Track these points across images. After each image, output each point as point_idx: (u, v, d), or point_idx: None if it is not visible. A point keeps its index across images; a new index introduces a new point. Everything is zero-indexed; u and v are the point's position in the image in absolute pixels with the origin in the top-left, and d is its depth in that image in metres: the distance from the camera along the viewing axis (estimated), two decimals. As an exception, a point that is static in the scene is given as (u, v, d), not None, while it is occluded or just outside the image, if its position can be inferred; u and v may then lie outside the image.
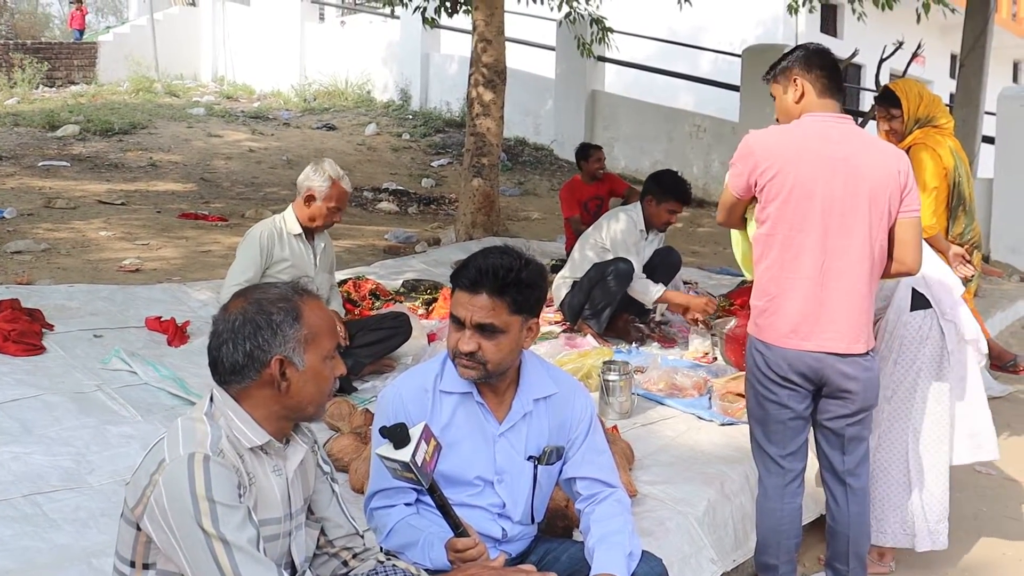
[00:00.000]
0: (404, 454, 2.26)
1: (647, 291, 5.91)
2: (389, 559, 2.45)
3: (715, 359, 5.77)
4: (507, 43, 10.12)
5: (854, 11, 11.22)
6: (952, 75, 19.01)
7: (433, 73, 19.55)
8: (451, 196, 13.09)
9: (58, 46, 23.19)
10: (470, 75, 10.02)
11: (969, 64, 10.95)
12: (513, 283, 2.52)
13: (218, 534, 1.96)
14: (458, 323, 2.56)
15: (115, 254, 8.16)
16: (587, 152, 8.71)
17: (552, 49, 16.88)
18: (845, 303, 3.24)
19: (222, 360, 2.14)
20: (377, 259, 8.76)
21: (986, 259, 10.40)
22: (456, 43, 18.67)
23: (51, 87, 20.57)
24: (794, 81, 3.36)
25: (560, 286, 6.23)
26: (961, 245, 5.05)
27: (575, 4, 12.75)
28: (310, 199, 4.85)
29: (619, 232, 6.01)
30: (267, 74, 22.07)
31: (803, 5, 11.26)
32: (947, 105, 5.41)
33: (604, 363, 4.88)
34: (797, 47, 3.48)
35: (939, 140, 4.97)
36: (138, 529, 2.06)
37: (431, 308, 6.66)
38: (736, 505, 3.91)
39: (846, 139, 3.26)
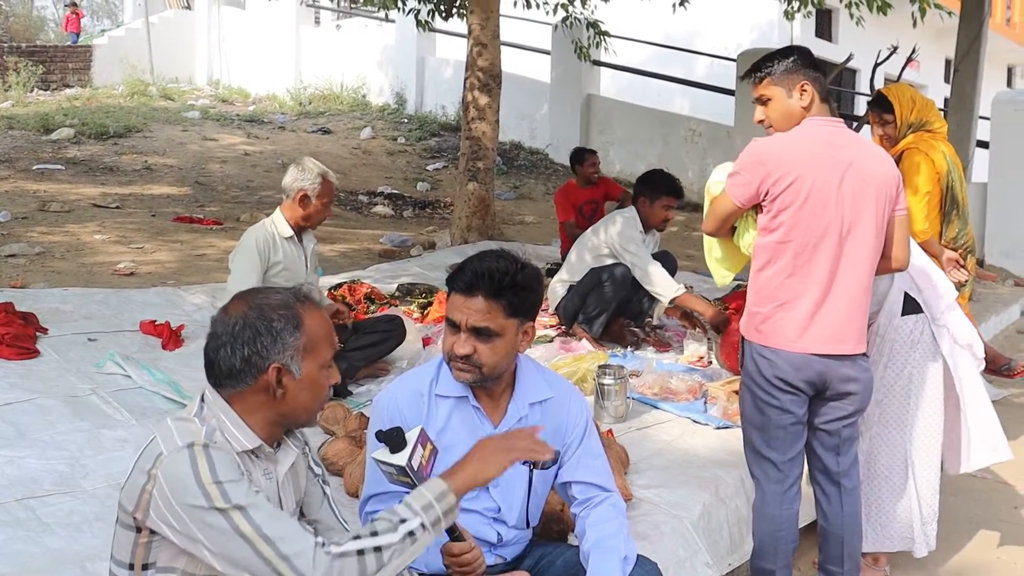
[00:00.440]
0: (400, 458, 2.26)
1: (668, 286, 5.73)
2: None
3: (710, 363, 5.77)
4: (502, 47, 10.12)
5: (851, 15, 11.22)
6: (946, 79, 19.08)
7: (428, 77, 19.56)
8: (446, 200, 13.09)
9: (53, 49, 23.15)
10: (465, 79, 10.02)
11: (963, 69, 10.97)
12: (509, 286, 2.52)
13: (233, 504, 1.95)
14: (454, 326, 2.56)
15: (110, 257, 8.15)
16: (582, 156, 8.73)
17: (547, 53, 16.89)
18: (851, 304, 3.30)
19: (219, 363, 2.13)
20: (372, 263, 8.76)
21: (980, 263, 10.42)
22: (451, 47, 18.68)
23: (46, 90, 20.54)
24: (802, 87, 3.34)
25: (556, 289, 6.22)
26: (955, 250, 5.05)
27: (571, 8, 12.76)
28: (304, 199, 4.86)
29: (620, 232, 5.98)
30: (262, 78, 22.05)
31: (799, 10, 11.26)
32: (941, 110, 5.42)
33: (599, 367, 4.88)
34: (788, 50, 3.46)
35: (932, 144, 4.98)
36: (137, 531, 2.04)
37: (426, 312, 6.66)
38: (731, 509, 3.91)
39: (849, 144, 3.32)
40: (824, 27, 19.98)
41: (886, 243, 3.39)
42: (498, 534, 2.69)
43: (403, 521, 2.09)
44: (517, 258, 2.60)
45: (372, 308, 6.50)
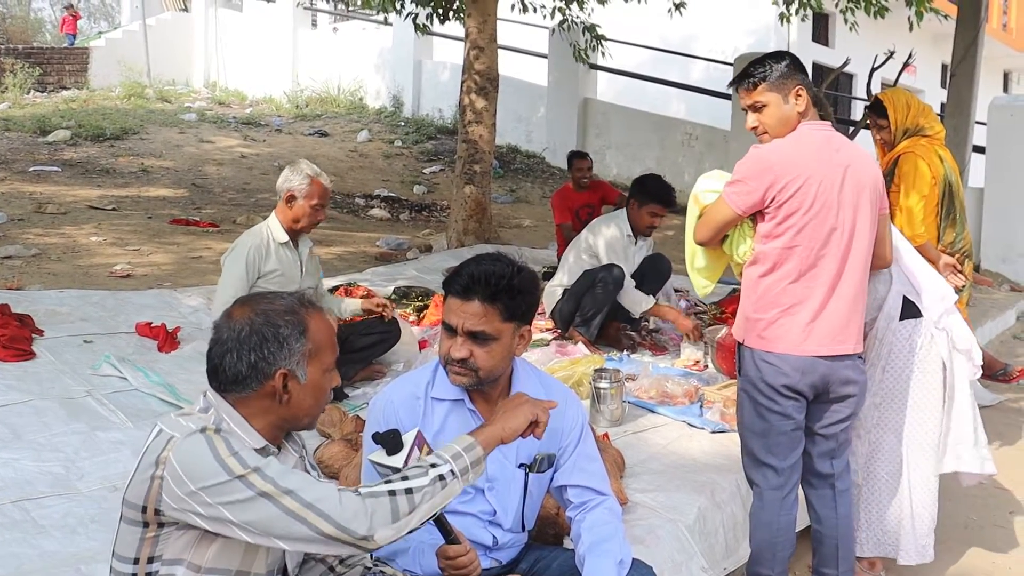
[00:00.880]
0: (396, 460, 2.26)
1: (637, 302, 5.93)
2: (376, 565, 2.45)
3: (706, 367, 5.77)
4: (499, 50, 10.13)
5: (846, 21, 11.25)
6: (943, 84, 19.10)
7: (425, 80, 19.58)
8: (443, 203, 13.10)
9: (50, 51, 23.15)
10: (462, 82, 10.03)
11: (960, 74, 10.99)
12: (505, 290, 2.52)
13: (251, 467, 1.97)
14: (450, 330, 2.56)
15: (106, 259, 8.14)
16: (570, 160, 8.73)
17: (544, 57, 16.92)
18: (851, 305, 3.33)
19: (224, 369, 2.14)
20: (369, 266, 8.76)
21: (976, 268, 10.44)
22: (448, 50, 18.70)
23: (42, 92, 20.53)
24: (797, 92, 3.33)
25: (551, 294, 6.23)
26: (952, 254, 5.06)
27: (568, 12, 12.77)
28: (291, 199, 4.82)
29: (606, 238, 6.03)
30: (259, 80, 22.05)
31: (795, 14, 11.28)
32: (938, 114, 5.42)
33: (595, 371, 4.88)
34: (779, 54, 3.44)
35: (929, 149, 4.99)
36: (144, 526, 2.04)
37: (422, 315, 6.66)
38: (727, 513, 3.91)
39: (842, 147, 3.36)
40: (821, 31, 20.01)
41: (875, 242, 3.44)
42: (494, 537, 2.69)
43: (433, 466, 2.13)
44: (513, 261, 2.60)
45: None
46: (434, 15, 11.69)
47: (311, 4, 22.88)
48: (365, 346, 5.26)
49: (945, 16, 10.89)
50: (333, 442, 4.06)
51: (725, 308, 7.01)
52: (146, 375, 5.04)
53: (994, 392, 6.75)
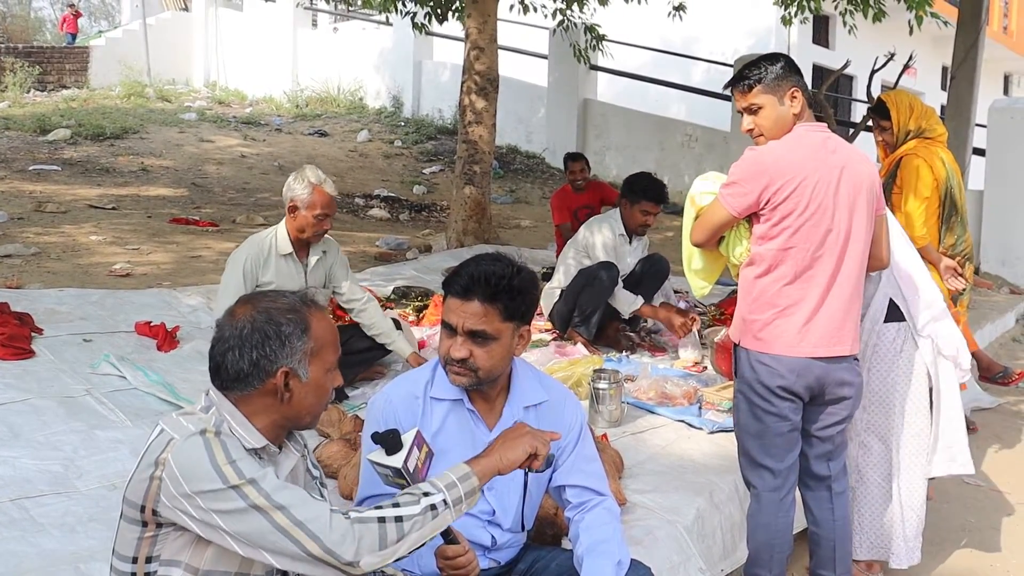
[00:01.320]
0: (396, 460, 2.26)
1: (626, 302, 5.96)
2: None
3: (705, 368, 5.78)
4: (500, 51, 10.14)
5: (844, 23, 11.25)
6: (943, 87, 19.11)
7: (425, 80, 19.58)
8: (443, 203, 13.10)
9: (50, 50, 23.13)
10: (462, 83, 10.03)
11: (960, 76, 10.99)
12: (505, 290, 2.52)
13: (247, 479, 1.97)
14: (450, 330, 2.56)
15: (105, 259, 8.14)
16: (566, 162, 8.72)
17: (544, 57, 16.92)
18: (846, 306, 3.34)
19: (226, 367, 2.14)
20: (368, 266, 8.75)
21: (976, 271, 10.43)
22: (449, 50, 18.71)
23: (42, 91, 20.52)
24: (792, 93, 3.33)
25: (548, 294, 6.23)
26: (953, 257, 5.06)
27: (569, 12, 12.78)
28: (293, 209, 4.71)
29: (600, 239, 6.03)
30: (259, 80, 22.05)
31: (795, 16, 11.28)
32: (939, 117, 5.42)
33: (594, 371, 4.88)
34: (774, 56, 3.43)
35: (931, 151, 4.99)
36: (143, 526, 2.05)
37: (422, 315, 6.66)
38: (725, 515, 3.91)
39: (838, 148, 3.36)
40: (821, 33, 20.02)
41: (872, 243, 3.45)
42: (492, 537, 2.69)
43: (426, 495, 2.13)
44: (513, 262, 2.60)
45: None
46: (432, 15, 11.70)
47: (311, 4, 22.88)
48: (365, 348, 5.24)
49: (945, 22, 10.90)
50: (332, 442, 4.06)
51: (724, 309, 7.02)
52: (145, 374, 5.04)
53: (993, 395, 6.75)
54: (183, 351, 5.58)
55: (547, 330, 6.34)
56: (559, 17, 12.84)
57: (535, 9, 12.52)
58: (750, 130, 3.43)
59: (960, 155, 10.51)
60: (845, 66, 10.87)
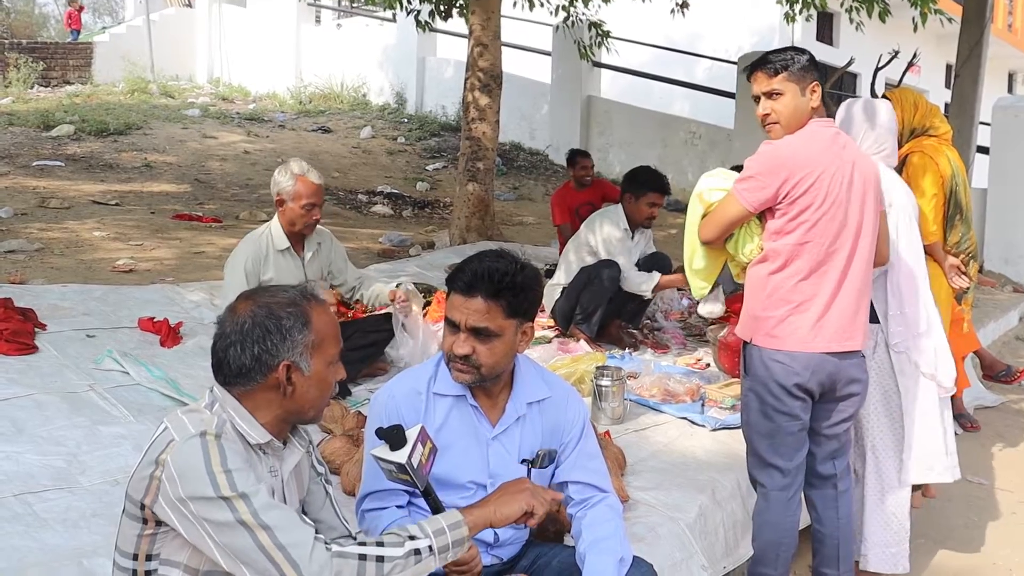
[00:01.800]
0: (400, 456, 2.26)
1: (642, 282, 5.90)
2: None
3: (708, 365, 5.78)
4: (503, 48, 10.12)
5: (851, 20, 11.23)
6: (947, 85, 19.10)
7: (429, 77, 19.57)
8: (446, 200, 13.09)
9: (54, 46, 23.15)
10: (466, 79, 10.02)
11: (964, 74, 10.97)
12: (508, 287, 2.52)
13: (239, 492, 1.97)
14: (453, 326, 2.56)
15: (109, 254, 8.14)
16: (573, 159, 8.70)
17: (548, 54, 16.90)
18: (857, 302, 3.35)
19: (228, 362, 2.14)
20: (371, 262, 8.75)
21: (980, 269, 10.42)
22: (452, 47, 18.69)
23: (46, 87, 20.52)
24: (813, 87, 3.32)
25: (551, 292, 6.23)
26: (957, 255, 5.05)
27: (573, 8, 12.76)
28: (281, 203, 4.74)
29: (604, 234, 6.02)
30: (263, 76, 22.04)
31: (799, 13, 11.27)
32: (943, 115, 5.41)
33: (597, 368, 4.88)
34: (798, 48, 3.41)
35: (937, 148, 4.98)
36: (143, 523, 2.06)
37: (425, 311, 6.64)
38: (727, 512, 3.91)
39: (847, 144, 3.39)
40: (825, 31, 20.00)
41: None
42: (495, 534, 2.69)
43: (412, 538, 2.12)
44: (516, 258, 2.60)
45: (371, 307, 6.48)
46: (436, 11, 11.69)
47: (315, 0, 22.89)
48: (367, 344, 5.25)
49: (950, 19, 10.87)
50: (335, 438, 4.07)
51: (729, 307, 7.00)
52: (148, 370, 5.05)
53: (996, 393, 6.75)
54: (186, 347, 5.58)
55: (549, 327, 6.34)
56: (563, 13, 12.82)
57: (541, 4, 12.49)
58: (766, 115, 3.38)
59: (964, 153, 10.49)
60: (849, 63, 10.86)
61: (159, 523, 2.04)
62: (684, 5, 12.34)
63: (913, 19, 10.08)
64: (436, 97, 19.16)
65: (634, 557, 2.61)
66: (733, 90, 14.32)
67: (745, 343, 3.46)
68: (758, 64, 3.41)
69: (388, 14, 16.28)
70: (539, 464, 2.65)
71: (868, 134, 3.90)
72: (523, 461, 2.67)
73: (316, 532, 2.03)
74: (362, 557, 2.03)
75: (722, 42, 18.03)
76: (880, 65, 9.60)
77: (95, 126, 15.28)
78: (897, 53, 10.01)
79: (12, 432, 4.12)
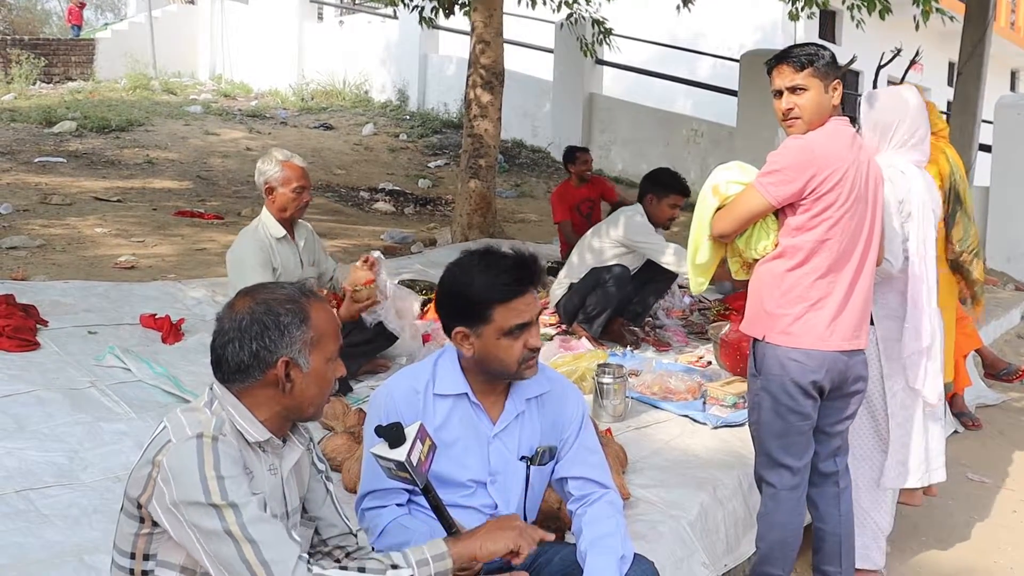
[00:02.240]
0: (399, 453, 2.26)
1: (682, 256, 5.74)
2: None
3: (709, 363, 5.78)
4: (505, 45, 10.12)
5: (852, 18, 11.23)
6: (950, 83, 19.05)
7: (431, 74, 19.57)
8: (448, 197, 13.09)
9: (56, 42, 23.17)
10: (468, 76, 10.01)
11: (967, 72, 10.96)
12: (539, 269, 2.59)
13: (228, 501, 1.96)
14: (520, 328, 2.53)
15: (110, 251, 8.15)
16: (573, 155, 8.69)
17: (550, 52, 16.89)
18: (866, 301, 3.37)
19: (227, 359, 2.14)
20: (373, 259, 8.74)
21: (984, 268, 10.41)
22: (454, 44, 18.69)
23: (48, 83, 20.55)
24: (835, 86, 3.31)
25: (556, 292, 6.24)
26: (960, 252, 5.04)
27: (576, 5, 12.75)
28: (270, 191, 4.77)
29: (628, 227, 5.98)
30: (265, 73, 22.05)
31: (802, 11, 11.26)
32: (944, 113, 5.41)
33: (598, 366, 4.89)
34: (821, 46, 3.37)
35: (934, 145, 4.97)
36: (140, 521, 2.05)
37: (426, 309, 6.65)
38: (728, 510, 3.91)
39: (862, 144, 3.39)
40: (828, 29, 19.98)
41: None
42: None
43: (394, 567, 2.13)
44: (497, 247, 2.64)
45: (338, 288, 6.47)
46: (439, 8, 11.69)
47: (317, -3, 22.94)
48: (366, 340, 5.25)
49: (951, 17, 10.87)
50: (336, 435, 4.07)
51: (730, 304, 7.00)
52: (150, 366, 5.05)
53: (998, 391, 6.76)
54: (188, 343, 5.59)
55: (551, 324, 6.34)
56: (566, 10, 12.81)
57: (543, 1, 12.48)
58: (788, 110, 3.32)
59: (966, 151, 10.49)
60: (851, 61, 10.84)
61: (155, 523, 2.04)
62: (688, 1, 12.33)
63: (915, 17, 10.07)
64: (438, 94, 19.15)
65: (635, 555, 2.60)
66: (735, 88, 14.32)
67: (755, 341, 3.42)
68: (782, 57, 3.35)
69: (390, 11, 16.26)
70: (538, 461, 2.65)
71: (903, 123, 3.83)
72: (522, 458, 2.67)
73: (301, 551, 2.03)
74: None
75: (724, 40, 18.02)
76: (882, 63, 9.59)
77: (97, 122, 15.29)
78: (899, 51, 10.00)
79: (14, 428, 4.13)
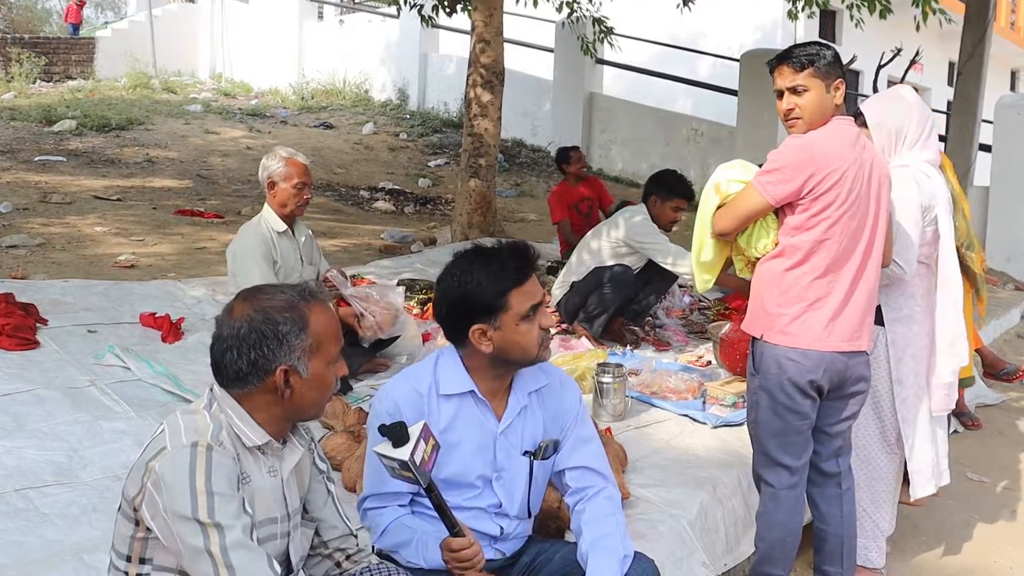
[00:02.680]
0: (403, 453, 2.26)
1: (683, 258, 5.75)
2: (382, 563, 2.43)
3: (709, 363, 5.77)
4: (506, 44, 10.11)
5: (852, 17, 11.23)
6: (950, 83, 19.04)
7: (431, 73, 19.56)
8: (447, 196, 13.08)
9: (56, 41, 23.16)
10: (468, 76, 10.01)
11: (967, 72, 10.96)
12: (533, 255, 2.63)
13: (214, 522, 1.95)
14: (533, 310, 2.59)
15: (110, 250, 8.14)
16: (567, 155, 8.68)
17: (551, 51, 16.88)
18: (867, 302, 3.35)
19: (225, 366, 2.13)
20: (373, 258, 8.74)
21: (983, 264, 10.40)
22: (454, 43, 18.67)
23: (48, 82, 20.52)
24: (837, 85, 3.29)
25: (556, 294, 6.23)
26: (957, 248, 5.03)
27: (576, 5, 12.74)
28: (272, 186, 4.85)
29: (632, 227, 5.97)
30: (265, 72, 22.05)
31: (802, 11, 11.26)
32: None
33: (598, 365, 4.88)
34: (824, 44, 3.37)
35: None
36: (136, 524, 2.05)
37: (426, 308, 6.65)
38: (728, 509, 3.91)
39: (866, 143, 3.37)
40: (828, 28, 19.97)
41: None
42: (500, 528, 2.69)
43: None
44: (482, 245, 2.67)
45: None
46: (440, 7, 11.69)
47: (317, -4, 22.93)
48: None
49: (950, 19, 10.87)
50: (336, 434, 4.06)
51: (730, 304, 7.00)
52: (149, 365, 5.05)
53: (997, 391, 6.75)
54: (187, 342, 5.59)
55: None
56: (567, 10, 12.80)
57: (545, 0, 12.46)
58: (789, 110, 3.32)
59: (966, 151, 10.51)
60: (852, 61, 10.84)
61: (149, 527, 2.04)
62: (689, 0, 12.32)
63: (915, 17, 10.06)
64: (438, 93, 19.15)
65: (636, 553, 2.60)
66: (736, 87, 14.32)
67: (754, 339, 3.42)
68: (783, 58, 3.34)
69: (391, 10, 16.24)
70: (541, 455, 2.66)
71: (911, 122, 3.81)
72: (525, 453, 2.68)
73: None
74: None
75: (724, 39, 18.00)
76: (882, 63, 9.59)
77: (97, 121, 15.27)
78: (899, 51, 9.99)
79: (13, 427, 4.13)
